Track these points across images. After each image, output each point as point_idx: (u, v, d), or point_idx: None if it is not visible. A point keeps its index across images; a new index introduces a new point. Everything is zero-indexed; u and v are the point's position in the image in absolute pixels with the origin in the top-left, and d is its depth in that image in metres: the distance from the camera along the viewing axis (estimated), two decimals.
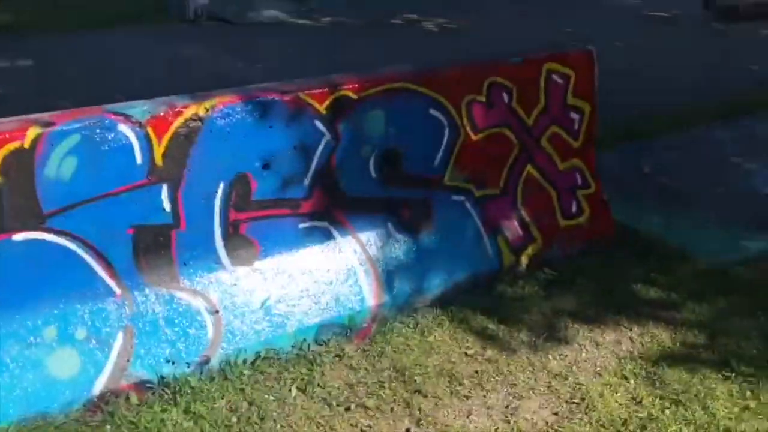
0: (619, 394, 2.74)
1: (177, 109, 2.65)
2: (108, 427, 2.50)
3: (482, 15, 8.68)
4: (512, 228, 3.49)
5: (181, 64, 6.92)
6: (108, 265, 2.64)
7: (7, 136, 2.36)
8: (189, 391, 2.65)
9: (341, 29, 8.48)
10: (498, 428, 2.59)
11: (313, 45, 7.78)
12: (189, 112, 2.67)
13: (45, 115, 2.49)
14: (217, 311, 2.81)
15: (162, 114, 2.62)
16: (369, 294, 3.09)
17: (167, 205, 2.70)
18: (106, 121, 2.53)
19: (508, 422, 2.62)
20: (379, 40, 7.62)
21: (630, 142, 4.93)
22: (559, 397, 2.74)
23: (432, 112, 3.20)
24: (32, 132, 2.40)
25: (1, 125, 2.40)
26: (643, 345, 3.04)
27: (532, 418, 2.64)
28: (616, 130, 4.81)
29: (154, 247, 2.72)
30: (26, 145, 2.40)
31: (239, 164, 2.83)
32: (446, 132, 3.26)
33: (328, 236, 3.09)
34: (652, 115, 5.35)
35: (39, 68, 6.95)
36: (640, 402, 2.70)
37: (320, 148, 2.98)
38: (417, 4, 9.10)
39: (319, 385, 2.76)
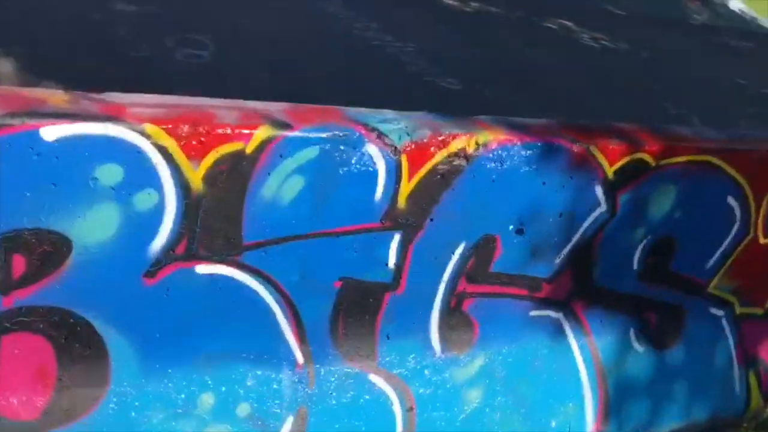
0: None
1: (442, 138, 1.89)
2: None
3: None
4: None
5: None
6: (298, 324, 1.90)
7: (228, 131, 1.62)
8: None
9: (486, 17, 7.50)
10: None
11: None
12: (456, 146, 1.90)
13: (278, 107, 1.74)
14: (412, 408, 2.09)
15: (424, 141, 1.87)
16: (591, 416, 2.33)
17: (392, 260, 1.95)
18: (355, 136, 1.77)
19: None
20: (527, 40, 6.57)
21: None
22: None
23: (729, 200, 2.41)
24: (262, 132, 1.65)
25: (219, 110, 1.64)
26: None
27: None
28: None
29: (358, 310, 1.98)
30: (249, 150, 1.65)
31: (490, 223, 2.06)
32: (735, 228, 2.46)
33: (559, 332, 2.33)
34: None
35: None
36: None
37: (588, 220, 2.20)
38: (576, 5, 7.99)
39: None
